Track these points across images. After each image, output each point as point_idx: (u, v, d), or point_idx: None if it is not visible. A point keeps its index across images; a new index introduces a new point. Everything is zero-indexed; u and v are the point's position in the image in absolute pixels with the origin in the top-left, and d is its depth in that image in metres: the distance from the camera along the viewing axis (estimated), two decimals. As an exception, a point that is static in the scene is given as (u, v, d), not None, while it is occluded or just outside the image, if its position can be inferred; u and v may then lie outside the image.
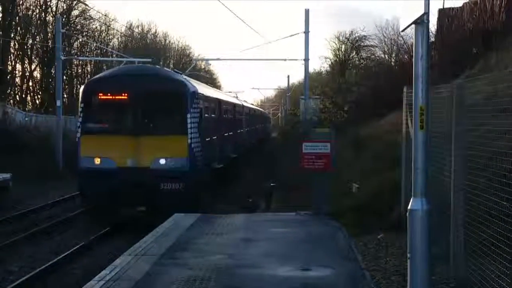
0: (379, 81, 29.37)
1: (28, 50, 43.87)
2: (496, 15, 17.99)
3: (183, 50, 75.56)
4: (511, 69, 11.01)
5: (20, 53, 43.24)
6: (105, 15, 51.96)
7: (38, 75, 45.39)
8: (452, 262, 7.75)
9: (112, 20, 54.45)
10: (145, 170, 16.20)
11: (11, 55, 42.26)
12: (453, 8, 22.65)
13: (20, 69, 43.75)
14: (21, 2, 42.22)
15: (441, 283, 7.81)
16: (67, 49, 42.82)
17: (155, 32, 69.17)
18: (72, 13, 46.77)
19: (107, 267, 9.05)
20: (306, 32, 29.32)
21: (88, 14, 47.91)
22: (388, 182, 12.95)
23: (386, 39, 44.56)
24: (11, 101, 40.54)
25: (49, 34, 43.17)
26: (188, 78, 19.76)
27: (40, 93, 44.64)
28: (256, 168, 30.28)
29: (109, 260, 10.90)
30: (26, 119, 34.16)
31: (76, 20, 47.51)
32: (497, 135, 6.73)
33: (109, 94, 17.11)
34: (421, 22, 5.98)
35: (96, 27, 51.44)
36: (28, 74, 44.15)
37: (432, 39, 21.81)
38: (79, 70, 50.74)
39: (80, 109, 17.33)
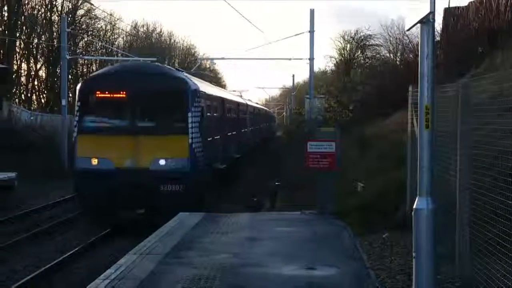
0: (384, 80, 29.35)
1: (34, 49, 43.93)
2: (502, 14, 17.95)
3: (188, 49, 75.57)
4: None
5: (26, 52, 43.32)
6: (111, 15, 52.05)
7: (44, 74, 45.52)
8: (458, 261, 7.73)
9: (118, 19, 54.53)
10: (144, 171, 15.64)
11: (17, 54, 42.37)
12: (458, 7, 22.63)
13: (26, 68, 43.86)
14: (26, 2, 42.33)
15: (447, 283, 7.79)
16: (72, 48, 42.88)
17: (160, 32, 69.27)
18: (78, 12, 46.85)
19: (112, 266, 9.07)
20: (311, 32, 29.31)
21: (93, 13, 48.04)
22: (393, 181, 12.94)
23: (391, 38, 44.60)
24: (17, 100, 40.61)
25: (55, 34, 43.24)
26: (189, 76, 19.17)
27: (45, 92, 44.75)
28: (260, 167, 30.23)
29: (111, 261, 10.87)
30: (32, 118, 34.25)
31: (81, 20, 47.56)
32: (502, 134, 6.71)
33: (106, 92, 16.53)
34: (426, 21, 5.97)
35: (101, 27, 51.57)
36: (33, 73, 44.24)
37: (438, 38, 21.79)
38: (85, 69, 50.79)
39: (76, 108, 16.73)
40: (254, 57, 79.05)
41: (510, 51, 15.52)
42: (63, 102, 31.15)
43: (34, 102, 44.26)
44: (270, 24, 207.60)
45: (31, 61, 44.07)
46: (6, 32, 38.56)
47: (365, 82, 34.11)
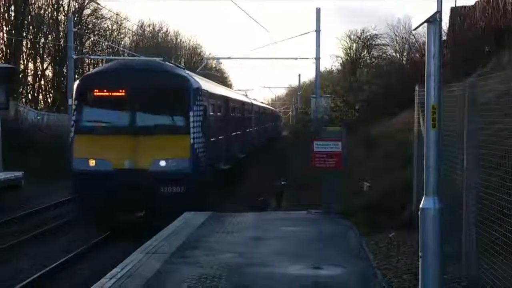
0: (390, 79, 29.34)
1: (40, 49, 44.03)
2: (509, 13, 17.91)
3: (194, 49, 75.60)
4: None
5: (32, 52, 43.43)
6: (117, 14, 52.15)
7: (50, 74, 45.63)
8: (464, 261, 7.72)
9: (124, 19, 54.58)
10: (144, 172, 15.06)
11: (23, 54, 42.46)
12: (465, 7, 22.62)
13: (32, 68, 43.95)
14: (33, 1, 42.40)
15: (453, 282, 7.78)
16: (78, 48, 42.99)
17: (167, 31, 69.32)
18: (84, 12, 46.98)
19: (118, 265, 9.08)
20: (317, 31, 29.25)
21: (100, 13, 48.15)
22: (400, 181, 12.93)
23: (397, 38, 44.61)
24: (23, 99, 40.69)
25: (61, 33, 43.36)
26: (191, 74, 18.61)
27: (52, 91, 44.85)
28: (266, 167, 30.15)
29: (112, 262, 10.86)
30: (38, 117, 34.36)
31: (88, 19, 47.69)
32: (509, 133, 6.69)
33: (105, 90, 15.89)
34: (433, 20, 5.95)
35: (108, 26, 51.69)
36: (40, 73, 44.35)
37: (444, 38, 21.76)
38: (91, 69, 50.92)
39: (73, 106, 16.11)
40: (260, 56, 79.03)
41: (517, 51, 15.49)
42: (70, 101, 31.17)
43: (40, 101, 44.37)
44: (276, 24, 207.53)
45: (38, 61, 44.18)
46: (13, 31, 38.68)
47: (371, 81, 34.10)
